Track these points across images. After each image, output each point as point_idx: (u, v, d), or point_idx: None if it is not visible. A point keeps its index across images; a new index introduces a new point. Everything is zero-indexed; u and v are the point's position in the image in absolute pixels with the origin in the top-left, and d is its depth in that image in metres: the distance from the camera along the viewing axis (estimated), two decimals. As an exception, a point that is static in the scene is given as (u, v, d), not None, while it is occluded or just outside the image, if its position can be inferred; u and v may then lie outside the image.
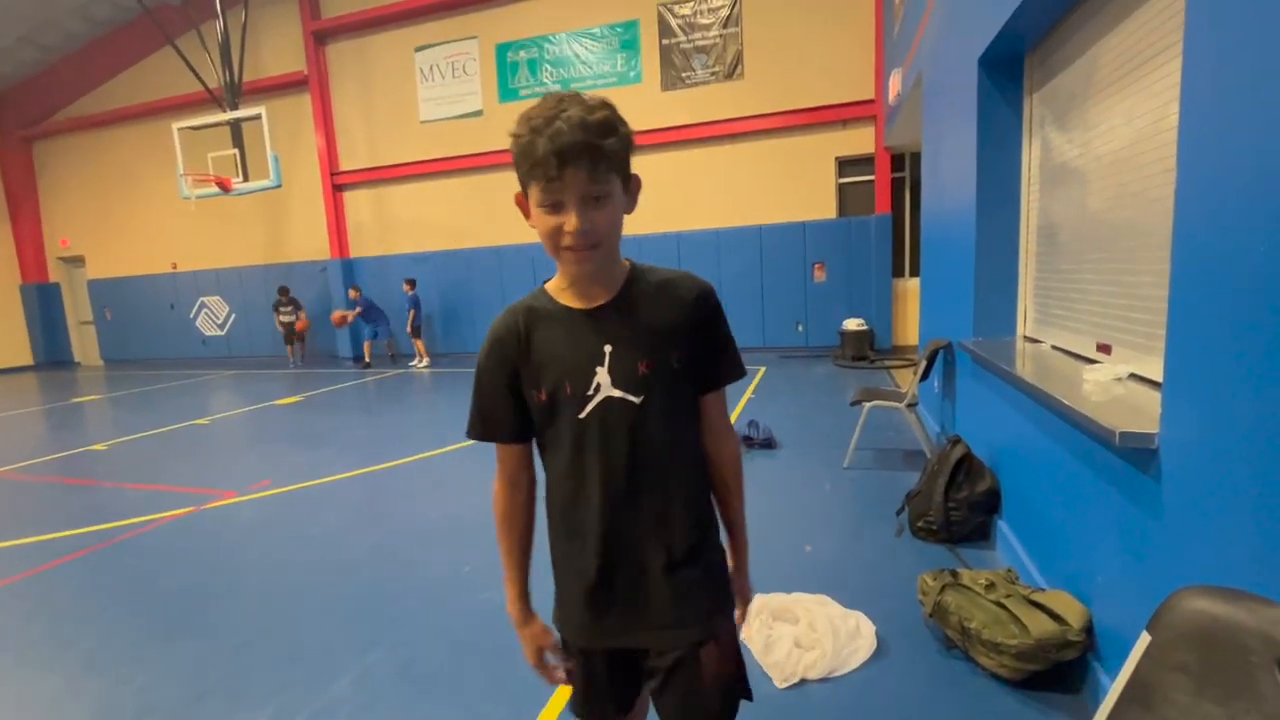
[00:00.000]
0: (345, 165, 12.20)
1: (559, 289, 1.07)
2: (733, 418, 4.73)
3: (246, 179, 10.30)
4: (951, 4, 4.02)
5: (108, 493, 4.78)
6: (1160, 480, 1.55)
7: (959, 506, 3.05)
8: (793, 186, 9.86)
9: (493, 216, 11.22)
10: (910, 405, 4.25)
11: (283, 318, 11.89)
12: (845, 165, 9.76)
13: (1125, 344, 2.20)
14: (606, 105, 0.95)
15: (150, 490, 4.74)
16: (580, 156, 0.90)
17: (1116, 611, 1.85)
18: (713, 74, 10.05)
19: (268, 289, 12.61)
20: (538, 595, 1.19)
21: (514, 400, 1.07)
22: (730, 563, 1.20)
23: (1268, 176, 1.16)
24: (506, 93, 11.07)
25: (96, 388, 10.83)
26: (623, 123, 0.96)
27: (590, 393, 1.02)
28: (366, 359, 11.17)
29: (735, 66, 9.92)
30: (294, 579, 3.17)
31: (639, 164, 1.00)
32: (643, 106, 10.06)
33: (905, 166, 9.61)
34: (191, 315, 13.97)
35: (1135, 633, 0.87)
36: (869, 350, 9.00)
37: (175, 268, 13.91)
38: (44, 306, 15.04)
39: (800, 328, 10.04)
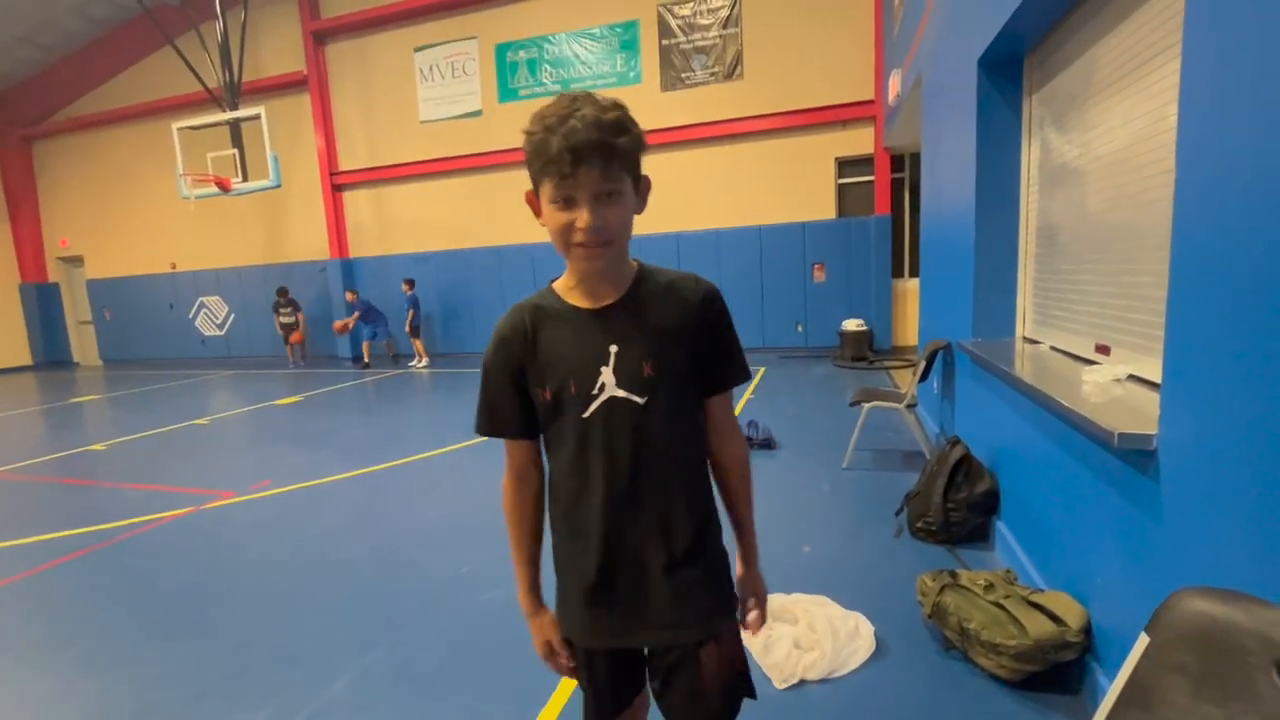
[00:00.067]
0: (345, 165, 12.19)
1: (567, 288, 1.07)
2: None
3: (246, 179, 10.29)
4: (951, 5, 4.02)
5: (107, 493, 4.78)
6: (1159, 481, 1.55)
7: (958, 507, 3.05)
8: (792, 187, 9.86)
9: (492, 216, 11.23)
10: (909, 406, 4.25)
11: (282, 319, 11.89)
12: (845, 166, 9.77)
13: (1124, 345, 2.20)
14: (619, 106, 0.96)
15: (149, 490, 4.73)
16: (593, 154, 0.91)
17: (1115, 612, 1.85)
18: (712, 74, 10.05)
19: (267, 289, 12.59)
20: (544, 593, 1.20)
21: (520, 398, 1.08)
22: (740, 564, 1.20)
23: (1267, 177, 1.16)
24: (506, 93, 11.07)
25: (95, 388, 10.82)
26: (635, 123, 0.97)
27: (595, 392, 1.02)
28: (366, 359, 11.17)
29: (735, 67, 9.92)
30: (293, 579, 3.17)
31: (639, 164, 1.00)
32: (642, 107, 9.96)
33: (905, 167, 9.61)
34: (191, 315, 13.96)
35: (1134, 634, 0.87)
36: (868, 351, 9.01)
37: (174, 268, 13.89)
38: (43, 306, 15.03)
39: (800, 328, 10.05)
